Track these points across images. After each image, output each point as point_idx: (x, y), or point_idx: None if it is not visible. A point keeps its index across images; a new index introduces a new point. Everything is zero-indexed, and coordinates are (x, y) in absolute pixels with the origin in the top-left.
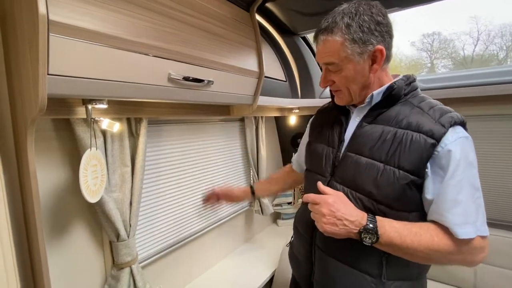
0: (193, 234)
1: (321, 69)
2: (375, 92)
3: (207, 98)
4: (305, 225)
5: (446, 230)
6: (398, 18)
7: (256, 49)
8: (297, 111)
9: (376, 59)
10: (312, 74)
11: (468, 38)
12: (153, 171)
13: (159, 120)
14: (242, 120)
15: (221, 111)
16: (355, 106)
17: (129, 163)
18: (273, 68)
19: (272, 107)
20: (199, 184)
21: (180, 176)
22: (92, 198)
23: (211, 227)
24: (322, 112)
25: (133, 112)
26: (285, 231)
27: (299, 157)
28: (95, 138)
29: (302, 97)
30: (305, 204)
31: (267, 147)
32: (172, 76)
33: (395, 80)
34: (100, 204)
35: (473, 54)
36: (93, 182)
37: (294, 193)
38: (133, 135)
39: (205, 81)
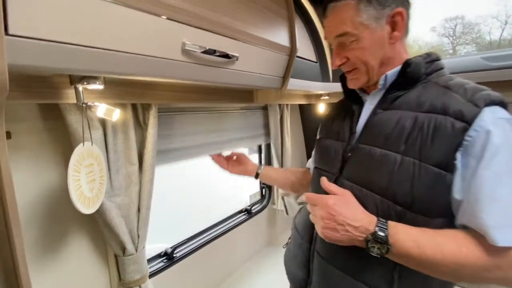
0: (212, 239)
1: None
2: (389, 73)
3: (230, 79)
4: (304, 226)
5: (479, 238)
6: (417, 0)
7: (287, 19)
8: (326, 97)
9: (397, 25)
10: None
11: (495, 22)
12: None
13: (171, 108)
14: (265, 108)
15: (243, 97)
16: (368, 93)
17: (135, 161)
18: (302, 45)
19: (299, 93)
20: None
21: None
22: (88, 208)
23: (230, 229)
24: (334, 107)
25: (140, 96)
26: None
27: (312, 158)
28: (90, 129)
29: (334, 81)
30: (306, 204)
31: (291, 139)
32: (187, 47)
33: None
34: (100, 212)
35: (500, 39)
36: (88, 187)
37: None
38: (141, 126)
39: (231, 56)
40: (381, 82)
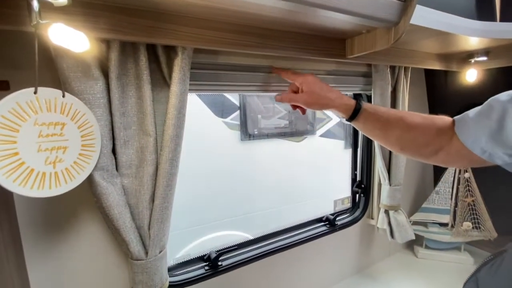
0: (273, 250)
1: None
2: None
3: None
4: None
5: None
6: None
7: None
8: (483, 58)
9: None
10: None
11: None
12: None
13: (213, 64)
14: (366, 75)
15: (329, 48)
16: None
17: (152, 130)
18: None
19: (428, 49)
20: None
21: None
22: (38, 189)
23: (300, 242)
24: None
25: (155, 32)
26: (430, 269)
27: (478, 127)
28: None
29: (503, 20)
30: None
31: None
32: None
33: None
34: (96, 195)
35: None
36: (44, 157)
37: (454, 208)
38: (166, 81)
39: None
40: None
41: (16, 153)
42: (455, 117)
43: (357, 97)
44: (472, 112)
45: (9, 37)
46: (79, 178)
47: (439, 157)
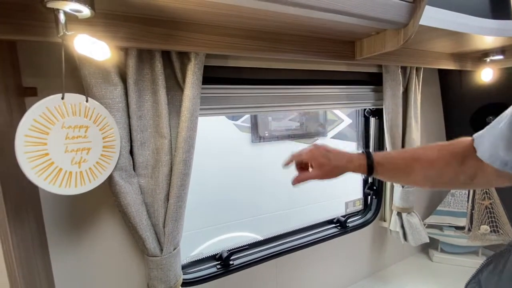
0: (285, 251)
1: None
2: None
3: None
4: None
5: None
6: None
7: None
8: (498, 57)
9: None
10: None
11: None
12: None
13: (224, 68)
14: (376, 75)
15: (338, 50)
16: None
17: (167, 132)
18: None
19: (440, 49)
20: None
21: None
22: (65, 187)
23: (312, 243)
24: None
25: (168, 40)
26: (446, 273)
27: (493, 139)
28: (87, 78)
29: None
30: None
31: (422, 129)
32: None
33: None
34: (115, 194)
35: None
36: (70, 157)
37: (471, 211)
38: (179, 85)
39: None
40: None
41: (47, 154)
42: (474, 135)
43: (366, 151)
44: (489, 125)
45: (35, 48)
46: (101, 177)
47: (478, 182)
